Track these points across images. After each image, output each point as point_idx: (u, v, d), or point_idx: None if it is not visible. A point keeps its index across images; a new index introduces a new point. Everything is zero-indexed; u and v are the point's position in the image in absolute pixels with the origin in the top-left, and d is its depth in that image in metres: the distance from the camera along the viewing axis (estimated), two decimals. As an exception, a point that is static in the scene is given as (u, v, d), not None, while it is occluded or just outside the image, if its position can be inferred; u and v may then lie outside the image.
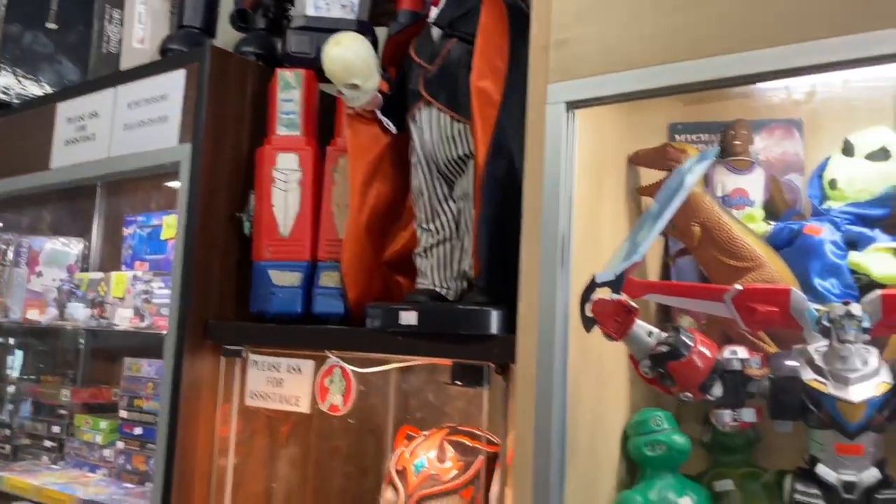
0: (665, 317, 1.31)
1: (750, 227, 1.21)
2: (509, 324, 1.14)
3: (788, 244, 1.21)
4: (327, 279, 1.47)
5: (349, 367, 1.39)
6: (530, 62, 1.13)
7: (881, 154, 1.18)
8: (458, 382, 1.18)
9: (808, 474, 0.97)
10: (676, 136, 1.41)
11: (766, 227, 1.25)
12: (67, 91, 2.00)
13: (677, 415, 1.20)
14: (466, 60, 1.22)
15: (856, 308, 0.93)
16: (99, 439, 2.01)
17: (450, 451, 1.32)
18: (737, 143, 1.31)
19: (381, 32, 1.64)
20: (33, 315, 2.15)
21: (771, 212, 1.29)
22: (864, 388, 0.91)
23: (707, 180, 1.30)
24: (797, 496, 0.96)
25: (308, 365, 1.46)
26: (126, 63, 1.88)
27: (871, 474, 0.93)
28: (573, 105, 1.09)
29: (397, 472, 1.34)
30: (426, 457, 1.33)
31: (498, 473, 1.25)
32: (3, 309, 2.23)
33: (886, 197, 1.16)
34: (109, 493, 1.78)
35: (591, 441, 1.14)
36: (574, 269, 1.08)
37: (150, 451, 1.79)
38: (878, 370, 0.93)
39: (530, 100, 1.12)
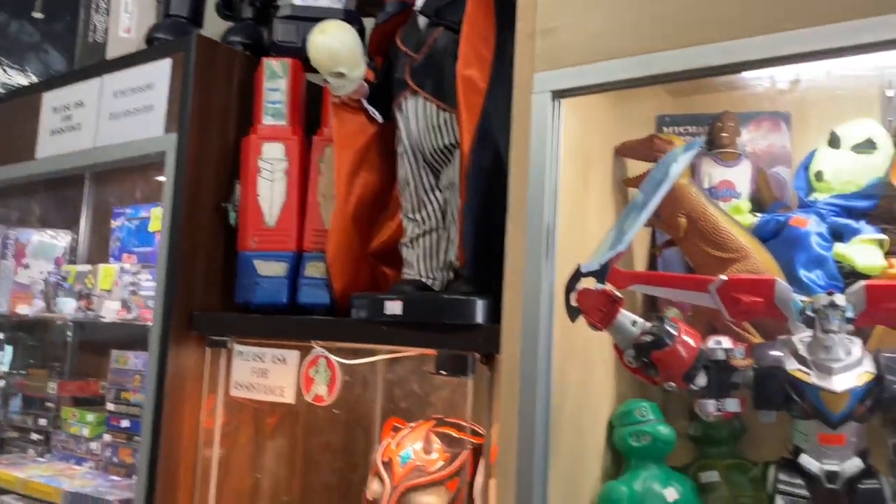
0: (652, 308, 1.31)
1: (736, 219, 1.21)
2: (494, 313, 1.13)
3: (775, 236, 1.21)
4: (313, 269, 1.47)
5: (334, 358, 1.38)
6: (516, 51, 1.12)
7: (867, 146, 1.18)
8: (443, 372, 1.18)
9: (791, 464, 0.97)
10: (664, 128, 1.41)
11: (753, 219, 1.25)
12: (53, 80, 1.98)
13: (664, 407, 1.20)
14: (453, 49, 1.22)
15: (839, 298, 0.93)
16: (86, 432, 2.00)
17: (436, 443, 1.32)
18: (724, 135, 1.32)
19: (369, 24, 1.62)
20: (23, 310, 2.14)
21: (757, 204, 1.29)
22: (846, 378, 0.91)
23: (694, 172, 1.30)
24: (780, 486, 0.96)
25: (293, 355, 1.46)
26: (112, 52, 1.87)
27: (854, 464, 0.93)
28: (559, 94, 1.09)
29: (383, 463, 1.34)
30: (412, 448, 1.33)
31: (482, 464, 1.25)
32: (-11, 301, 2.21)
33: (871, 189, 1.16)
34: (95, 486, 1.77)
35: (577, 431, 1.14)
36: (559, 259, 1.08)
37: (138, 444, 1.77)
38: (861, 360, 0.93)
39: (516, 89, 1.12)
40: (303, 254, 1.51)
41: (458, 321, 1.17)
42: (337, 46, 1.27)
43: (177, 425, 1.54)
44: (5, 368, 2.32)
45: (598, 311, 0.98)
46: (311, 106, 1.61)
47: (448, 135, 1.27)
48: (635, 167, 1.33)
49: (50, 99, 1.94)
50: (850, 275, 1.09)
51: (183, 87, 1.59)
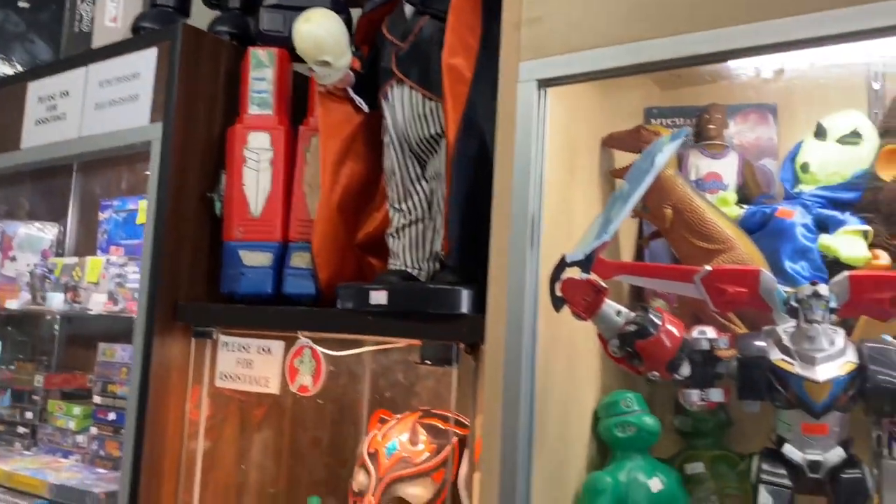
0: (638, 299, 1.31)
1: (722, 211, 1.21)
2: (479, 303, 1.13)
3: (761, 227, 1.21)
4: (298, 260, 1.46)
5: (319, 348, 1.38)
6: (502, 39, 1.12)
7: (853, 138, 1.18)
8: (428, 362, 1.18)
9: (774, 454, 0.97)
10: (652, 120, 1.41)
11: (739, 211, 1.25)
12: (38, 70, 1.96)
13: (650, 398, 1.20)
14: (439, 38, 1.21)
15: (823, 288, 0.94)
16: (72, 425, 1.99)
17: (422, 434, 1.32)
18: (711, 127, 1.32)
19: (356, 14, 1.61)
20: (11, 304, 2.12)
21: (744, 196, 1.29)
22: (829, 368, 0.91)
23: (681, 164, 1.30)
24: (763, 476, 0.96)
25: (278, 346, 1.45)
26: (98, 42, 1.85)
27: (837, 453, 0.93)
28: (545, 83, 1.08)
29: (369, 454, 1.34)
30: (398, 440, 1.33)
31: (467, 455, 1.25)
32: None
33: (857, 180, 1.17)
34: (81, 479, 1.76)
35: (562, 421, 1.14)
36: (544, 249, 1.07)
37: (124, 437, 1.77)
38: (844, 350, 0.93)
39: (502, 77, 1.11)
40: (288, 244, 1.50)
41: (443, 311, 1.16)
42: (322, 35, 1.26)
43: (161, 417, 1.53)
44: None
45: (583, 301, 0.97)
46: (297, 95, 1.60)
47: (434, 124, 1.26)
48: (622, 158, 1.33)
49: (35, 88, 1.92)
50: (834, 265, 1.09)
51: (169, 76, 1.58)
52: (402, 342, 1.36)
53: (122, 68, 1.69)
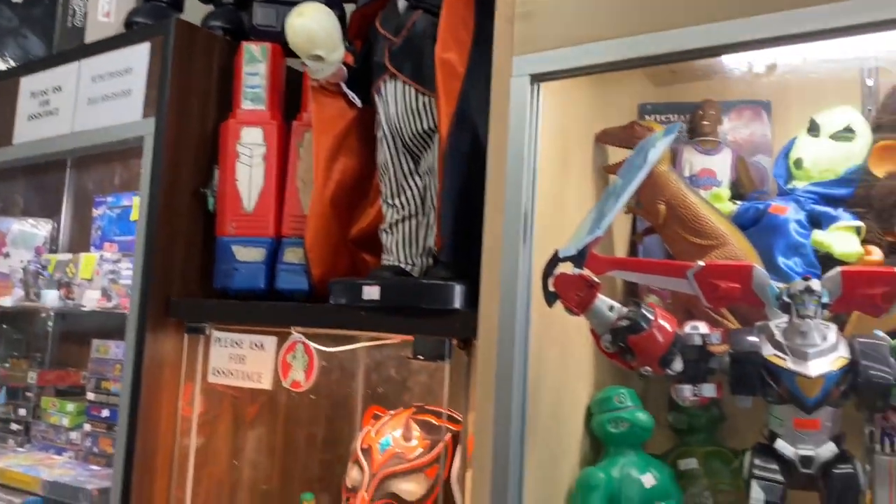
0: (631, 295, 1.31)
1: (715, 207, 1.21)
2: (472, 299, 1.13)
3: (754, 223, 1.21)
4: (291, 255, 1.45)
5: (312, 344, 1.37)
6: (495, 34, 1.11)
7: (846, 134, 1.18)
8: (420, 357, 1.17)
9: (766, 449, 0.97)
10: (646, 117, 1.41)
11: (733, 207, 1.25)
12: (31, 65, 1.96)
13: (643, 394, 1.20)
14: (432, 32, 1.20)
15: (815, 284, 0.94)
16: (66, 422, 1.98)
17: (416, 430, 1.32)
18: (705, 123, 1.32)
19: (350, 9, 1.61)
20: (5, 301, 2.11)
21: (737, 192, 1.29)
22: (821, 363, 0.92)
23: (675, 160, 1.30)
24: (756, 471, 0.96)
25: (271, 341, 1.45)
26: (91, 37, 1.84)
27: (829, 448, 0.94)
28: (538, 78, 1.08)
29: (363, 450, 1.33)
30: (392, 435, 1.33)
31: (460, 450, 1.25)
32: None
33: (850, 176, 1.17)
34: (74, 475, 1.76)
35: (555, 417, 1.14)
36: (537, 244, 1.07)
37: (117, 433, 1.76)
38: (836, 345, 0.93)
39: (495, 72, 1.11)
40: (281, 239, 1.50)
41: (436, 306, 1.16)
42: (315, 29, 1.26)
43: (154, 413, 1.53)
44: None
45: (576, 296, 0.97)
46: (290, 91, 1.60)
47: (427, 119, 1.26)
48: (616, 154, 1.33)
49: (28, 84, 1.91)
50: (827, 261, 1.09)
51: (162, 71, 1.57)
52: (395, 338, 1.36)
53: (114, 63, 1.69)
